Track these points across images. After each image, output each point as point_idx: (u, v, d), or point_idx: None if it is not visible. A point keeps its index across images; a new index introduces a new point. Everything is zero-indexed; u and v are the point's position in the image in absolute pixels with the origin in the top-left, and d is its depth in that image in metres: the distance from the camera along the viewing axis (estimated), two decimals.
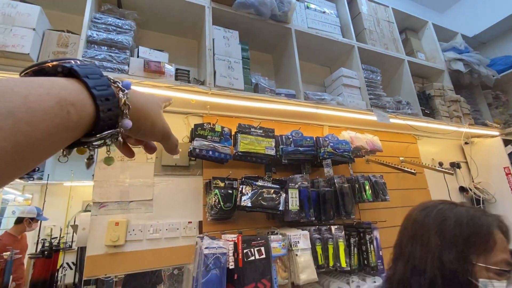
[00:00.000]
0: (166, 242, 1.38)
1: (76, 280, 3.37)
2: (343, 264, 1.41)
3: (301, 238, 1.38)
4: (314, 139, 1.62)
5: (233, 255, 1.23)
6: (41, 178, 3.77)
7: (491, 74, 2.71)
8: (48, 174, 3.77)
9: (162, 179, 1.47)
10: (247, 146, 1.45)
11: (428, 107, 2.37)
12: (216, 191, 1.35)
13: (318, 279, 1.51)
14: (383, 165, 2.06)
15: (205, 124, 1.41)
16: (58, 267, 3.29)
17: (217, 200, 1.33)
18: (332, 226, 1.51)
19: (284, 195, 1.41)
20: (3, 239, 2.91)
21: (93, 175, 1.34)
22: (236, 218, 1.51)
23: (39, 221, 3.20)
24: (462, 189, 2.66)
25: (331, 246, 1.44)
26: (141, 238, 1.33)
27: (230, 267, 1.21)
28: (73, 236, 3.79)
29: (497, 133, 2.77)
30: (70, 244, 3.70)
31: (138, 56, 1.41)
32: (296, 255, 1.32)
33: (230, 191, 1.39)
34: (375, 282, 1.51)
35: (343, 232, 1.51)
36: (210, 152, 1.37)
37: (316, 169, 1.76)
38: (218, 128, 1.45)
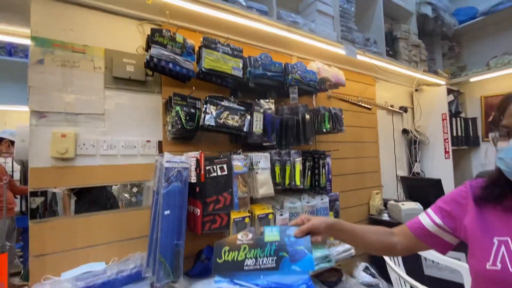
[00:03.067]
0: (123, 159, 1.32)
1: (23, 207, 3.21)
2: (298, 183, 1.55)
3: (262, 158, 1.44)
4: (283, 65, 1.57)
5: (196, 171, 1.24)
6: None
7: (453, 23, 2.81)
8: None
9: (115, 93, 1.32)
10: (213, 63, 1.34)
11: (392, 49, 2.42)
12: (178, 108, 1.27)
13: (275, 197, 1.65)
14: (343, 101, 2.15)
15: (164, 31, 1.23)
16: None
17: (178, 118, 1.27)
18: (291, 151, 1.59)
19: (249, 117, 1.40)
20: None
21: (28, 99, 1.14)
22: (199, 139, 1.49)
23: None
24: (405, 131, 2.99)
25: (289, 168, 1.54)
26: (94, 153, 1.25)
27: (192, 181, 1.23)
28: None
29: (444, 83, 3.03)
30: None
31: None
32: (257, 173, 1.39)
33: (193, 110, 1.32)
34: (322, 199, 1.71)
35: (300, 157, 1.61)
36: (171, 65, 1.24)
37: (281, 98, 1.76)
38: (179, 38, 1.29)
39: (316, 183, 1.72)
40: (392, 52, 2.39)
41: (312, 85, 1.64)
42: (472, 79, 3.07)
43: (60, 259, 1.15)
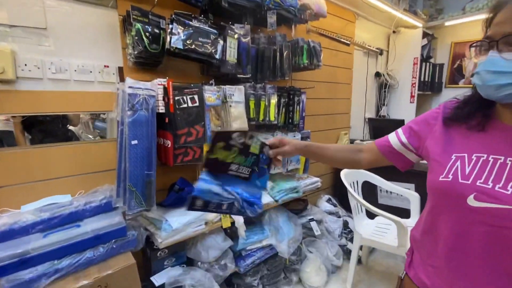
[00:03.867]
0: (76, 85, 1.15)
1: None
2: (272, 119, 1.53)
3: (236, 91, 1.36)
4: None
5: (163, 100, 1.14)
6: None
7: None
8: None
9: (57, 2, 1.08)
10: None
11: None
12: (138, 25, 1.09)
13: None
14: (322, 36, 2.04)
15: None
16: None
17: (139, 38, 1.10)
18: (266, 85, 1.52)
19: (222, 42, 1.26)
20: None
21: None
22: (165, 68, 1.34)
23: None
24: (377, 74, 3.01)
25: (263, 103, 1.49)
26: (40, 77, 1.07)
27: (161, 111, 1.14)
28: None
29: (421, 25, 2.98)
30: None
31: None
32: (230, 106, 1.33)
33: (156, 30, 1.15)
34: (294, 136, 1.74)
35: (276, 93, 1.56)
36: None
37: (257, 26, 1.59)
38: None
39: (290, 120, 1.72)
40: None
41: (292, 11, 1.50)
42: (447, 23, 3.05)
43: (19, 191, 1.07)
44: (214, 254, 1.36)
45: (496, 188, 0.48)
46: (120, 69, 1.25)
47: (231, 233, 1.51)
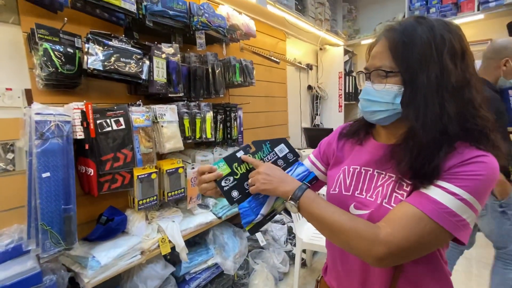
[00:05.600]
0: None
1: None
2: (209, 136, 1.53)
3: (168, 111, 1.33)
4: (188, 4, 1.39)
5: (82, 125, 1.04)
6: None
7: None
8: None
9: None
10: None
11: (301, 3, 2.48)
12: (46, 45, 0.98)
13: (186, 152, 1.60)
14: (256, 54, 2.15)
15: None
16: None
17: (48, 59, 0.99)
18: (201, 103, 1.52)
19: (148, 63, 1.22)
20: None
21: None
22: (86, 88, 1.23)
23: None
24: (309, 87, 3.29)
25: (199, 120, 1.49)
26: None
27: (79, 137, 1.04)
28: None
29: (342, 43, 3.38)
30: None
31: None
32: (162, 126, 1.29)
33: (70, 50, 1.06)
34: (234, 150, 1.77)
35: (211, 110, 1.57)
36: None
37: (188, 45, 1.60)
38: None
39: (228, 136, 1.75)
40: (300, 7, 2.46)
41: (221, 31, 1.54)
42: (363, 42, 3.53)
43: None
44: (154, 284, 1.27)
45: (367, 197, 0.57)
46: (28, 92, 1.11)
47: (173, 258, 1.44)
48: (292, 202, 0.57)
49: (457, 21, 2.78)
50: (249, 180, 0.63)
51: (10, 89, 1.07)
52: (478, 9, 2.62)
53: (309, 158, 0.78)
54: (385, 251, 0.46)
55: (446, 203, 0.46)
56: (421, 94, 0.50)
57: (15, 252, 1.00)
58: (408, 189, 0.52)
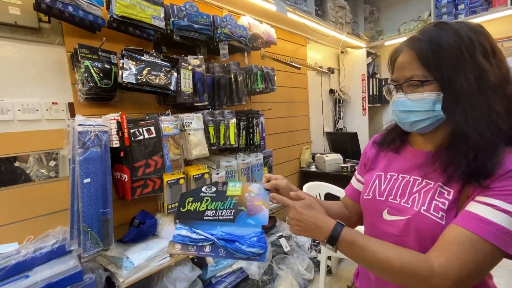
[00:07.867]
0: (22, 125, 1.10)
1: None
2: (232, 142, 1.57)
3: (194, 119, 1.39)
4: (211, 17, 1.46)
5: (117, 134, 1.13)
6: None
7: None
8: None
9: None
10: (127, 10, 1.15)
11: (320, 9, 2.49)
12: (87, 62, 1.09)
13: (211, 158, 1.66)
14: (277, 61, 2.18)
15: None
16: None
17: (88, 75, 1.09)
18: (224, 111, 1.58)
19: (176, 74, 1.30)
20: None
21: None
22: (120, 100, 1.33)
23: None
24: (331, 91, 3.26)
25: (223, 127, 1.54)
26: None
27: (115, 145, 1.13)
28: None
29: (364, 45, 3.32)
30: None
31: None
32: (189, 134, 1.35)
33: (107, 66, 1.15)
34: (257, 156, 1.80)
35: (234, 117, 1.62)
36: (70, 8, 1.02)
37: (212, 56, 1.67)
38: None
39: (251, 142, 1.78)
40: (320, 12, 2.46)
41: (243, 41, 1.60)
42: (386, 43, 3.44)
43: None
44: (182, 286, 1.32)
45: (402, 203, 0.57)
46: (71, 105, 1.22)
47: (199, 261, 1.48)
48: (329, 246, 0.54)
49: (489, 16, 2.63)
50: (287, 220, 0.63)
51: (56, 103, 1.19)
52: None
53: (355, 176, 0.77)
54: (444, 285, 0.44)
55: (501, 223, 0.44)
56: (464, 97, 0.50)
57: (59, 252, 1.10)
58: (450, 197, 0.51)
